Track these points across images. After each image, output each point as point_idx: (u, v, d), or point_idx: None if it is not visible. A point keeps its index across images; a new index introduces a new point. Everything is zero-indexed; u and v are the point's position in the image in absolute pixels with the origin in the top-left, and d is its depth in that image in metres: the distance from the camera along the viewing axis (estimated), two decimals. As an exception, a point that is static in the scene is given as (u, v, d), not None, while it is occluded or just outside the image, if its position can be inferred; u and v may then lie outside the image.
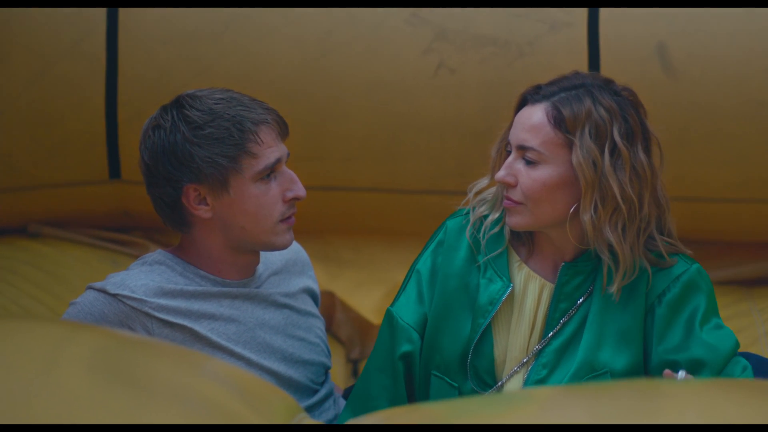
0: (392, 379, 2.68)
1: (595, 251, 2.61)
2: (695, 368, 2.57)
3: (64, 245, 3.84)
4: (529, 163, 2.57)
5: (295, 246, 2.84)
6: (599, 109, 2.55)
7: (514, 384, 2.64)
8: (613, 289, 2.59)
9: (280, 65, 3.71)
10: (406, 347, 2.68)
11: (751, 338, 3.54)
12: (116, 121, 3.74)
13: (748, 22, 3.65)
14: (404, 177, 3.80)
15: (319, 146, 3.76)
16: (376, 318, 3.81)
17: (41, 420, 1.65)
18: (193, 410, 1.78)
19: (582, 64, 3.64)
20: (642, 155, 2.57)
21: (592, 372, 2.59)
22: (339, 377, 3.62)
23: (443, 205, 2.95)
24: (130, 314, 2.64)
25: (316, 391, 2.81)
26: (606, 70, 3.57)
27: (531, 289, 2.65)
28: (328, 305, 3.78)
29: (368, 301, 3.88)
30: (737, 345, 2.61)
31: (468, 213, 2.71)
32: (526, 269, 2.66)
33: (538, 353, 2.64)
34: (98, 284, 2.66)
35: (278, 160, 2.65)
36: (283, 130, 2.68)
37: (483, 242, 2.66)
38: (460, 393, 2.65)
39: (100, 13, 3.70)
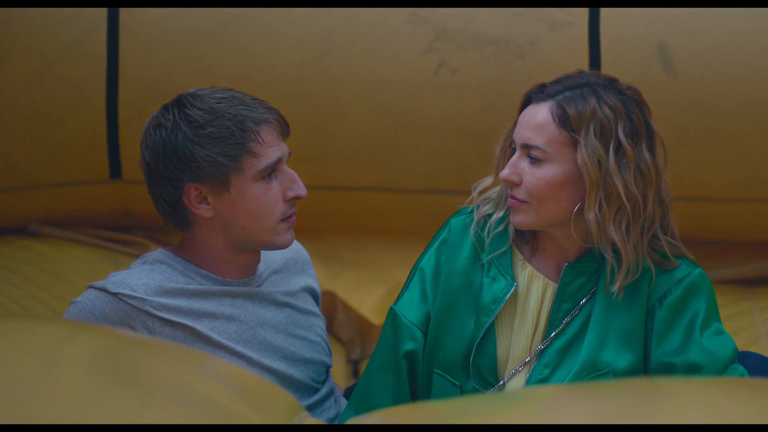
0: (395, 377, 2.68)
1: (598, 251, 2.61)
2: (693, 372, 2.57)
3: (64, 245, 3.84)
4: (534, 161, 2.57)
5: (296, 245, 2.84)
6: (604, 108, 2.55)
7: (516, 383, 2.64)
8: (616, 287, 2.59)
9: (280, 65, 3.71)
10: (409, 345, 2.68)
11: (752, 337, 3.54)
12: (117, 121, 3.74)
13: (749, 21, 3.65)
14: (405, 177, 3.80)
15: (320, 146, 3.76)
16: (376, 318, 3.81)
17: (41, 419, 1.65)
18: (194, 409, 1.78)
19: (583, 64, 3.64)
20: (646, 154, 2.57)
21: (594, 372, 2.59)
22: (339, 377, 3.62)
23: (444, 205, 2.95)
24: (131, 313, 2.64)
25: (317, 390, 2.81)
26: (607, 69, 3.57)
27: (534, 288, 2.65)
28: (329, 305, 3.78)
29: (369, 300, 3.88)
30: (736, 352, 2.62)
31: (472, 211, 2.71)
32: (529, 268, 2.66)
33: (541, 353, 2.64)
34: (99, 283, 2.66)
35: (279, 160, 2.65)
36: (284, 130, 2.68)
37: (487, 241, 2.66)
38: (462, 391, 2.65)
39: (100, 13, 3.70)
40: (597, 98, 2.56)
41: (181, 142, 2.62)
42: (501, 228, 2.66)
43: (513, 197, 2.59)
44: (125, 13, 3.70)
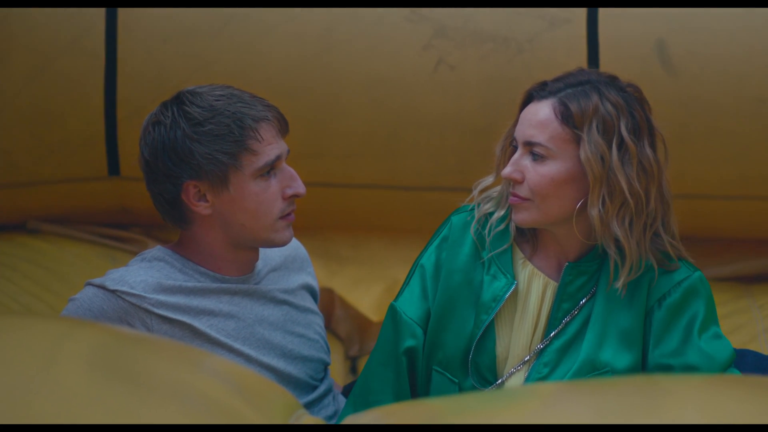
0: (395, 374, 2.68)
1: (601, 248, 2.60)
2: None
3: (63, 242, 3.84)
4: (537, 158, 2.57)
5: (294, 242, 2.84)
6: (606, 105, 2.55)
7: (515, 382, 2.64)
8: (619, 284, 2.59)
9: (279, 62, 3.71)
10: (409, 342, 2.68)
11: (750, 335, 3.54)
12: (115, 118, 3.74)
13: (748, 19, 3.65)
14: (404, 174, 3.80)
15: (319, 143, 3.76)
16: (375, 315, 3.81)
17: (40, 416, 1.65)
18: (192, 407, 1.78)
19: (581, 61, 3.64)
20: (648, 150, 2.57)
21: (593, 371, 2.59)
22: (338, 374, 3.62)
23: (443, 202, 2.95)
24: (129, 310, 2.63)
25: (315, 388, 2.81)
26: (605, 66, 3.57)
27: (535, 287, 2.65)
28: (328, 302, 3.78)
29: (367, 298, 3.88)
30: (733, 356, 2.62)
31: (473, 209, 2.71)
32: (530, 267, 2.66)
33: (540, 352, 2.63)
34: (97, 280, 2.66)
35: (278, 157, 2.65)
36: (283, 127, 2.68)
37: (488, 239, 2.66)
38: (461, 389, 2.65)
39: (99, 11, 3.70)
40: (599, 95, 2.56)
41: (180, 139, 2.62)
42: (502, 227, 2.66)
43: (515, 195, 2.59)
44: (124, 11, 3.70)
